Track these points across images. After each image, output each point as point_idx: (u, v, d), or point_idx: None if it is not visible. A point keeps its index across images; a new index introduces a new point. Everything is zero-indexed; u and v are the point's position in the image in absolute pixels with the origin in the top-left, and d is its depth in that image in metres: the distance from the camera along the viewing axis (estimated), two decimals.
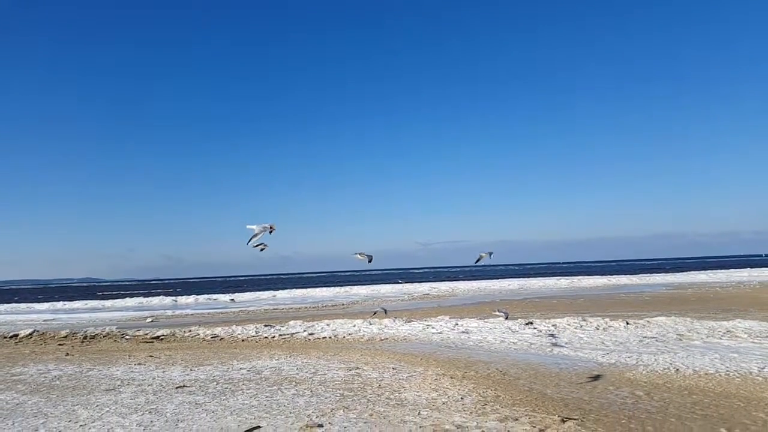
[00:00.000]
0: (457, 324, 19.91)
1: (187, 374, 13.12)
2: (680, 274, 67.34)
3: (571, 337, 16.69)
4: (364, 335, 18.90)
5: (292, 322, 22.83)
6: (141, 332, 22.46)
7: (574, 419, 8.20)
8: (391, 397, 10.00)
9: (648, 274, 68.54)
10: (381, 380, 11.41)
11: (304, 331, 20.57)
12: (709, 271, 72.83)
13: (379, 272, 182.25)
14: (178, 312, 39.54)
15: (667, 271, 79.22)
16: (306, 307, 38.64)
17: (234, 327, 22.05)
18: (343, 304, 39.60)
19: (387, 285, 63.80)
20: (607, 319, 19.27)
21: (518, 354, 14.32)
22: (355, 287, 63.26)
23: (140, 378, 12.91)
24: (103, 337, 22.03)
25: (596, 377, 11.24)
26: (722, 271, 70.33)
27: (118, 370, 14.18)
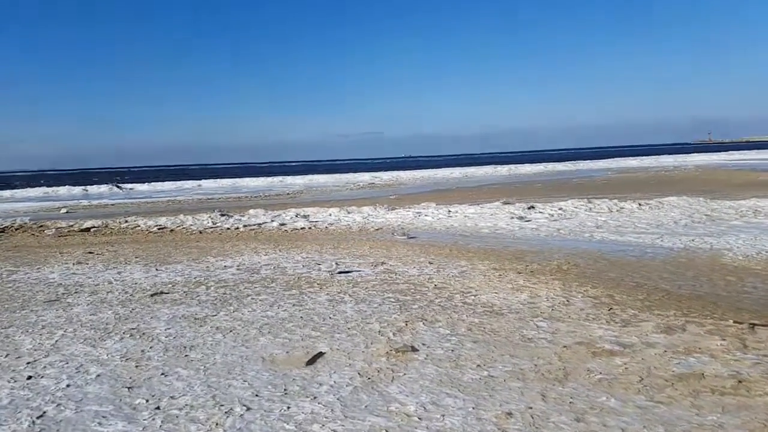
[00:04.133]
0: (450, 211, 17.50)
1: (156, 276, 9.89)
2: (607, 160, 68.40)
3: (594, 221, 14.73)
4: (350, 225, 16.10)
5: (252, 211, 19.55)
6: (64, 224, 18.45)
7: (763, 326, 5.99)
8: (469, 301, 7.42)
9: (576, 161, 69.23)
10: (430, 279, 8.78)
11: (272, 221, 17.46)
12: (631, 158, 74.70)
13: (303, 164, 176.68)
14: (95, 202, 34.71)
15: (590, 158, 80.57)
16: (247, 197, 35.06)
17: (183, 217, 18.51)
18: (288, 194, 36.31)
19: (322, 175, 60.50)
20: (615, 201, 17.52)
21: (560, 241, 12.13)
22: (289, 177, 59.54)
23: (90, 282, 9.56)
24: (16, 230, 17.85)
25: (691, 265, 9.19)
26: (645, 157, 72.24)
27: (53, 272, 10.66)
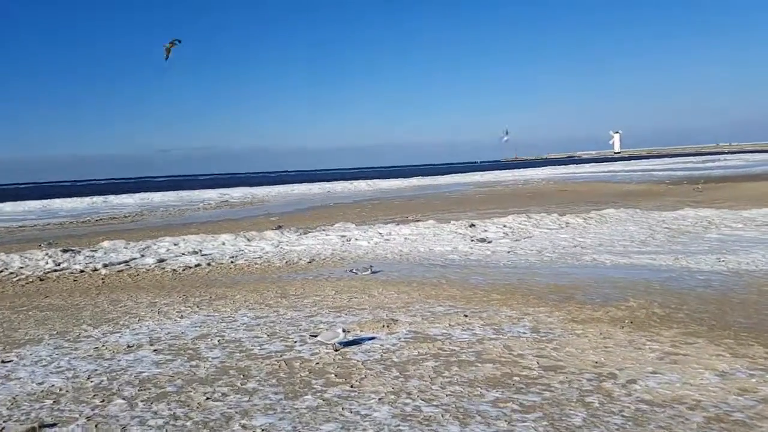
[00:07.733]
0: (381, 233, 14.31)
1: (9, 376, 5.35)
2: (455, 175, 69.48)
3: (563, 239, 12.66)
4: (265, 258, 12.14)
5: (106, 244, 14.39)
6: None
7: None
8: (647, 398, 4.42)
9: (421, 177, 69.40)
10: (510, 351, 5.58)
11: (142, 255, 12.79)
12: (473, 173, 76.95)
13: (108, 182, 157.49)
14: None
15: (429, 174, 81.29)
16: (71, 223, 28.20)
17: (5, 256, 12.82)
18: (125, 216, 29.97)
19: (156, 193, 52.74)
20: (554, 215, 15.75)
21: (572, 269, 9.65)
22: (112, 196, 51.06)
23: None
24: None
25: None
26: (485, 172, 74.88)
27: None
